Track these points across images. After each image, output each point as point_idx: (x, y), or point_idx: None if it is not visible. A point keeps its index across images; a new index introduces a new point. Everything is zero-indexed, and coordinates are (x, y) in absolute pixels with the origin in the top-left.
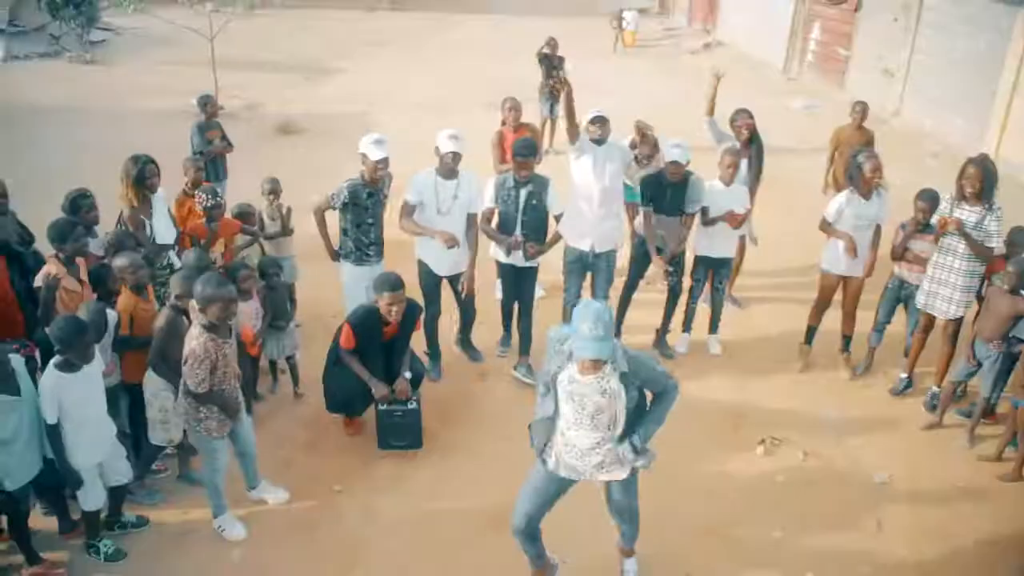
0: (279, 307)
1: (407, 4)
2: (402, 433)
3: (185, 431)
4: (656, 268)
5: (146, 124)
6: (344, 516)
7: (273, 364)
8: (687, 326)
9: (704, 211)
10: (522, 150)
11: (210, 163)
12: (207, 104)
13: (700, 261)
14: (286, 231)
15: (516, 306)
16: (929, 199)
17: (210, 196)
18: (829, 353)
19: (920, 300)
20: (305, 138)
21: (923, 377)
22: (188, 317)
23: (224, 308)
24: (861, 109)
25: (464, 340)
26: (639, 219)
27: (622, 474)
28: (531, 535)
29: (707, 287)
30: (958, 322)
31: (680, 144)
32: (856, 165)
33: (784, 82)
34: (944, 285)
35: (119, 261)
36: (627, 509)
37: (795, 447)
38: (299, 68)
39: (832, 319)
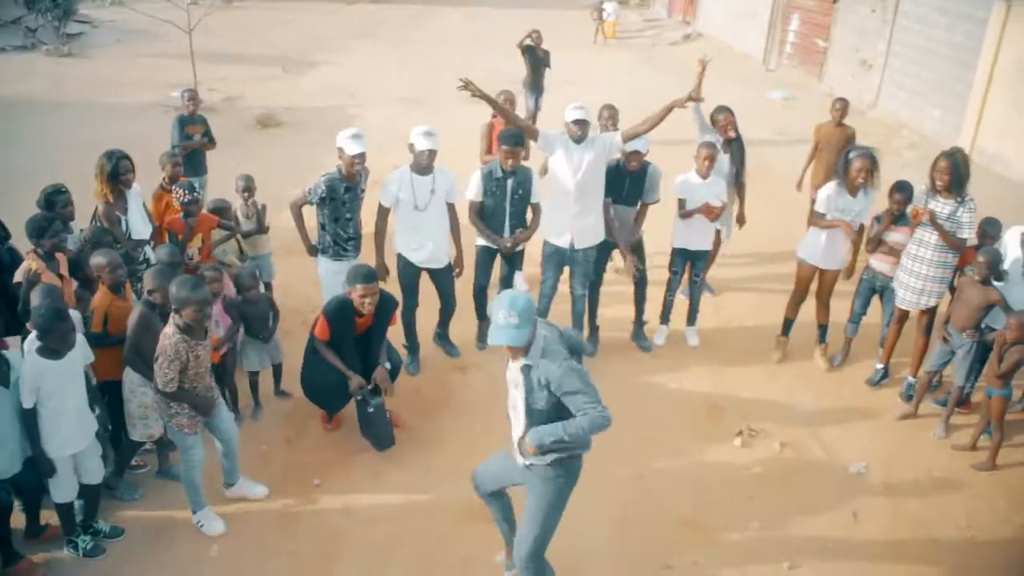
0: (259, 320)
1: None
2: (372, 430)
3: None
4: (624, 261)
5: (124, 117)
6: (324, 510)
7: (255, 384)
8: (665, 318)
9: (681, 203)
10: (510, 139)
11: (189, 158)
12: (191, 98)
13: (678, 253)
14: (262, 228)
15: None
16: (904, 190)
17: (187, 191)
18: (806, 344)
19: (898, 295)
20: (285, 131)
21: (899, 368)
22: (162, 312)
23: (199, 310)
24: (841, 106)
25: (442, 335)
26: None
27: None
28: (497, 506)
29: (685, 279)
30: (932, 313)
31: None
32: (845, 161)
33: (763, 73)
34: (915, 276)
35: (97, 259)
36: (528, 516)
37: (772, 438)
38: (279, 61)
39: (809, 311)
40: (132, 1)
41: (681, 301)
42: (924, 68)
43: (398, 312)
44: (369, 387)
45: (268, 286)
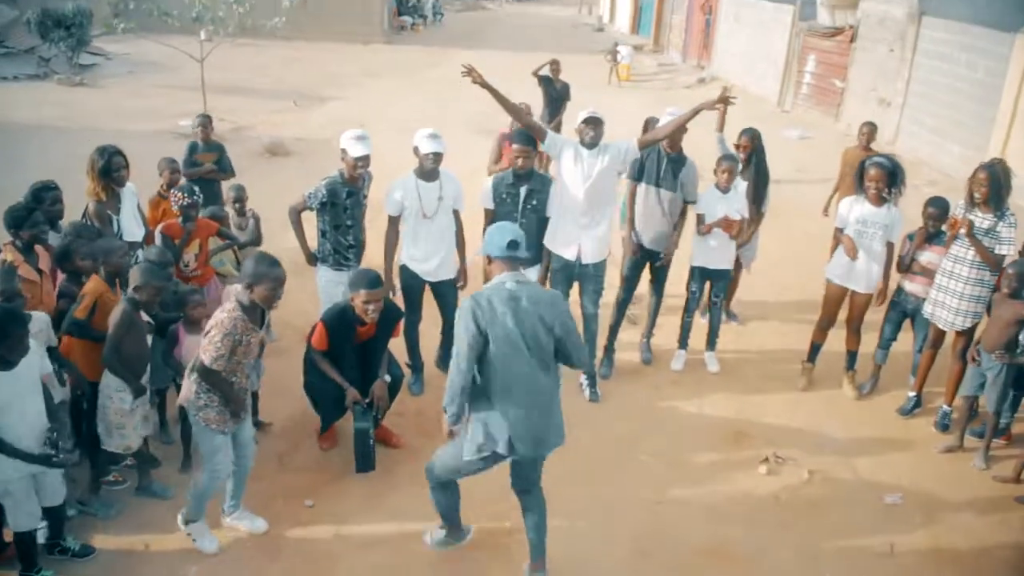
0: None
1: (402, 39)
2: (355, 449)
3: (147, 439)
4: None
5: (132, 142)
6: (315, 532)
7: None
8: (683, 342)
9: (700, 219)
10: (522, 136)
11: (202, 185)
12: (203, 124)
13: (696, 272)
14: (258, 240)
15: None
16: (938, 206)
17: (186, 194)
18: (833, 373)
19: (927, 309)
20: (293, 160)
21: (932, 398)
22: (146, 310)
23: (273, 289)
24: (868, 130)
25: (446, 358)
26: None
27: None
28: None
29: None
30: (968, 336)
31: (675, 112)
32: (861, 169)
33: (779, 115)
34: (951, 294)
35: (102, 243)
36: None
37: (800, 466)
38: (290, 95)
39: (838, 339)
40: (146, 32)
41: (700, 325)
42: (944, 105)
43: (402, 324)
44: (366, 402)
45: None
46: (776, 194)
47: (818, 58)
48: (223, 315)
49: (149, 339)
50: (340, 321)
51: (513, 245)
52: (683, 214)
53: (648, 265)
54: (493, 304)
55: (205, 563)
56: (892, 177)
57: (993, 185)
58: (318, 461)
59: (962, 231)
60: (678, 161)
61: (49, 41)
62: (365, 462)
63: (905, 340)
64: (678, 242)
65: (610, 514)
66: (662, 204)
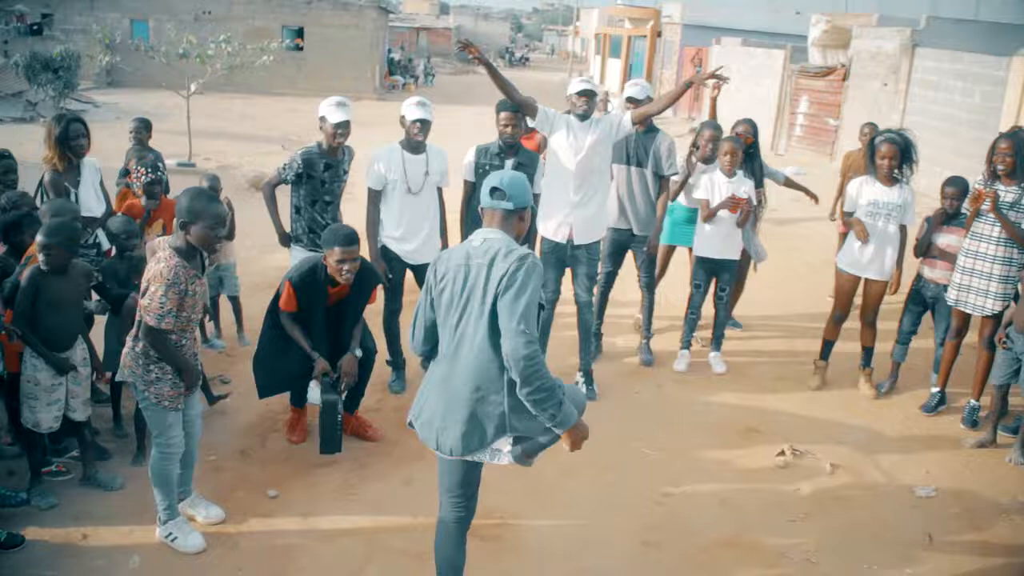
0: None
1: (394, 96)
2: (320, 426)
3: (68, 416)
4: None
5: (114, 180)
6: (277, 523)
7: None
8: (686, 341)
9: (704, 206)
10: (508, 105)
11: None
12: (139, 130)
13: (700, 264)
14: (230, 234)
15: None
16: (957, 185)
17: (149, 170)
18: (847, 373)
19: (951, 296)
20: (277, 192)
21: (956, 398)
22: (66, 272)
23: (211, 228)
24: (870, 130)
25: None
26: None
27: None
28: None
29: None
30: (996, 321)
31: (638, 82)
32: (871, 147)
33: (773, 158)
34: (977, 276)
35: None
36: None
37: (819, 459)
38: (279, 140)
39: (852, 339)
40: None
41: (704, 326)
42: (941, 134)
43: (379, 292)
44: (334, 377)
45: (234, 301)
46: (773, 215)
47: (811, 98)
48: (160, 265)
49: (100, 317)
50: (311, 279)
51: (494, 192)
52: (663, 190)
53: (633, 256)
54: (447, 262)
55: (149, 552)
56: (905, 153)
57: (1018, 154)
58: (286, 453)
59: (986, 206)
60: (648, 133)
61: (36, 84)
62: (331, 442)
63: (924, 338)
64: (661, 226)
65: (615, 507)
66: (645, 182)
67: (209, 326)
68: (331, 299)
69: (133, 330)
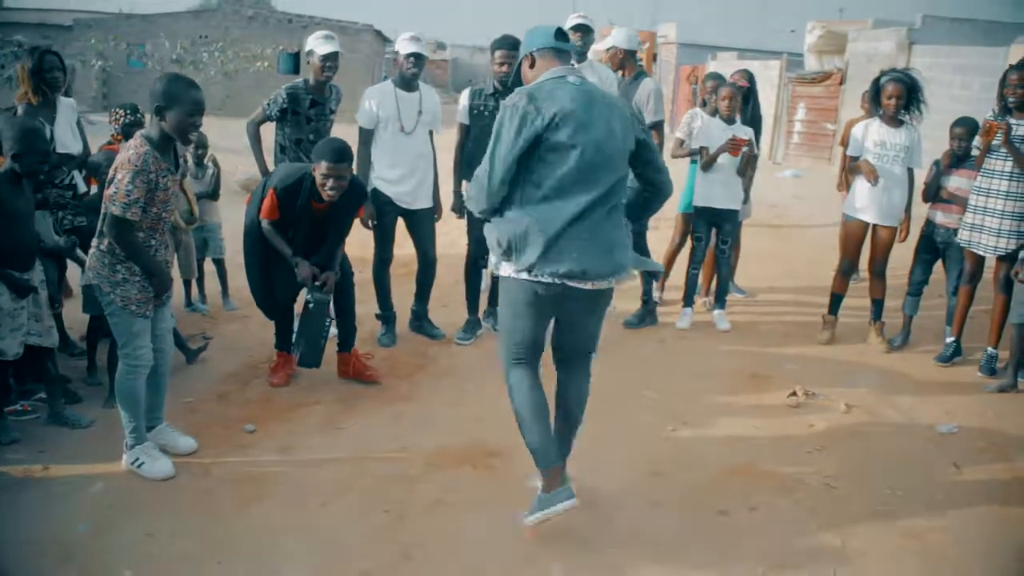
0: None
1: None
2: (303, 332)
3: (35, 344)
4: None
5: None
6: (253, 453)
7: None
8: (688, 299)
9: (703, 153)
10: (504, 42)
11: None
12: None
13: (701, 214)
14: (214, 192)
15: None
16: (966, 125)
17: (128, 112)
18: (857, 329)
19: (963, 236)
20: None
21: (971, 351)
22: (23, 183)
23: (188, 115)
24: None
25: (420, 313)
26: None
27: None
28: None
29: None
30: (1011, 261)
31: (623, 30)
32: (876, 86)
33: (771, 167)
34: (990, 214)
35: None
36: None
37: (833, 401)
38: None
39: (861, 295)
40: None
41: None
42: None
43: (365, 210)
44: (321, 280)
45: (219, 264)
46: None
47: (808, 104)
48: (128, 152)
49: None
50: (296, 188)
51: (561, 35)
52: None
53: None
54: (556, 96)
55: (113, 480)
56: (911, 93)
57: None
58: (267, 395)
59: (997, 139)
60: (634, 81)
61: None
62: (313, 351)
63: (935, 299)
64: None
65: (620, 442)
66: None
67: (194, 291)
68: (315, 213)
69: (99, 225)
